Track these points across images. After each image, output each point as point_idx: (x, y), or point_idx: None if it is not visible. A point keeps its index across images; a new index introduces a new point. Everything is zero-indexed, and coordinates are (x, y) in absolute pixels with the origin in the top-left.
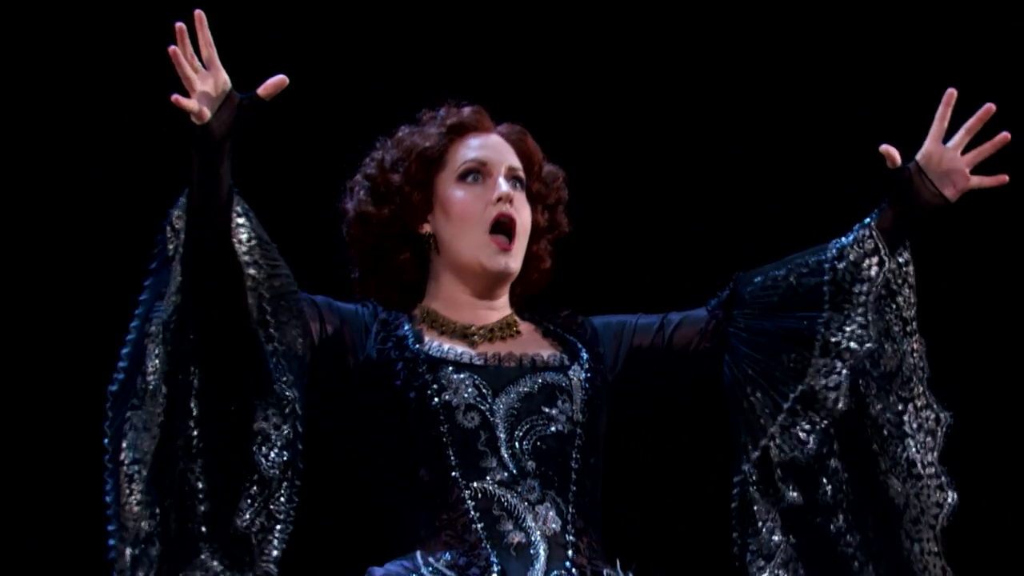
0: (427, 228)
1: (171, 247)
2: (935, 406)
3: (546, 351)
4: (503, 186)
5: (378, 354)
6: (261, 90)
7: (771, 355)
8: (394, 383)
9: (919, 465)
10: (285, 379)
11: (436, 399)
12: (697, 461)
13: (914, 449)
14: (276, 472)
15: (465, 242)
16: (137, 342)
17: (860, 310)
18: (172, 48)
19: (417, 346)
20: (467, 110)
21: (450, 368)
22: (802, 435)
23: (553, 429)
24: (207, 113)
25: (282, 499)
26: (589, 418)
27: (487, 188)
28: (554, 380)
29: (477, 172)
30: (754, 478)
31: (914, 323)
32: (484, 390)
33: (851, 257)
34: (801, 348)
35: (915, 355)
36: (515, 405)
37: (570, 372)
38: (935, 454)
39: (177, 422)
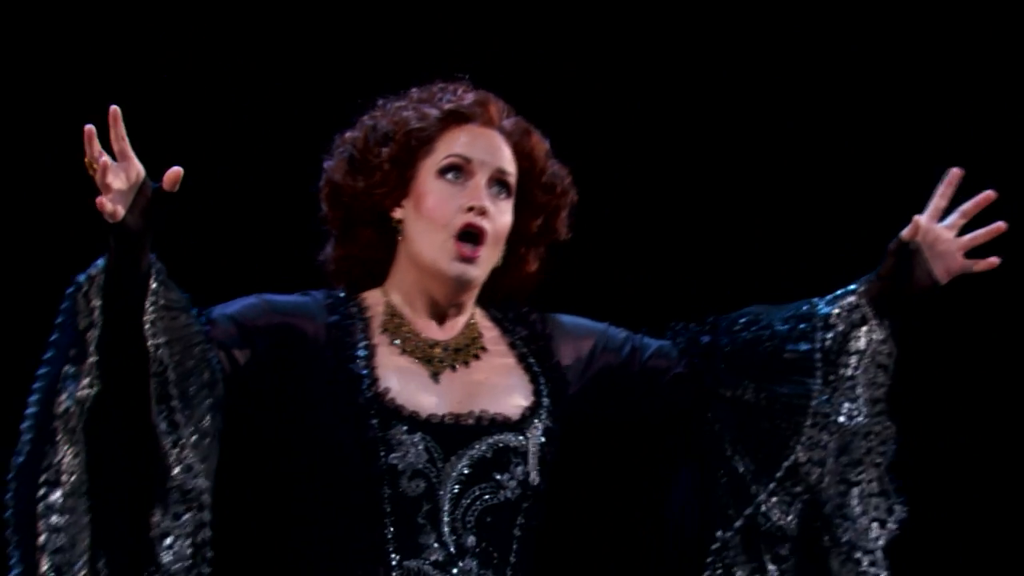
0: (399, 213)
1: (83, 322)
2: (891, 496)
3: (509, 398)
4: (479, 194)
5: (326, 386)
6: (164, 184)
7: (760, 423)
8: (338, 432)
9: (860, 552)
10: (191, 468)
11: (382, 461)
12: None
13: (856, 535)
14: (180, 565)
15: (427, 242)
16: (43, 417)
17: (849, 383)
18: (87, 159)
19: (372, 391)
20: (471, 97)
21: (404, 428)
22: (784, 507)
23: (502, 497)
24: (120, 212)
25: None
26: (540, 478)
27: (465, 190)
28: (510, 442)
29: (459, 170)
30: (737, 546)
31: (880, 405)
32: (435, 454)
33: (839, 327)
34: (792, 419)
35: (873, 438)
36: (465, 471)
37: (528, 432)
38: (879, 544)
39: (95, 514)
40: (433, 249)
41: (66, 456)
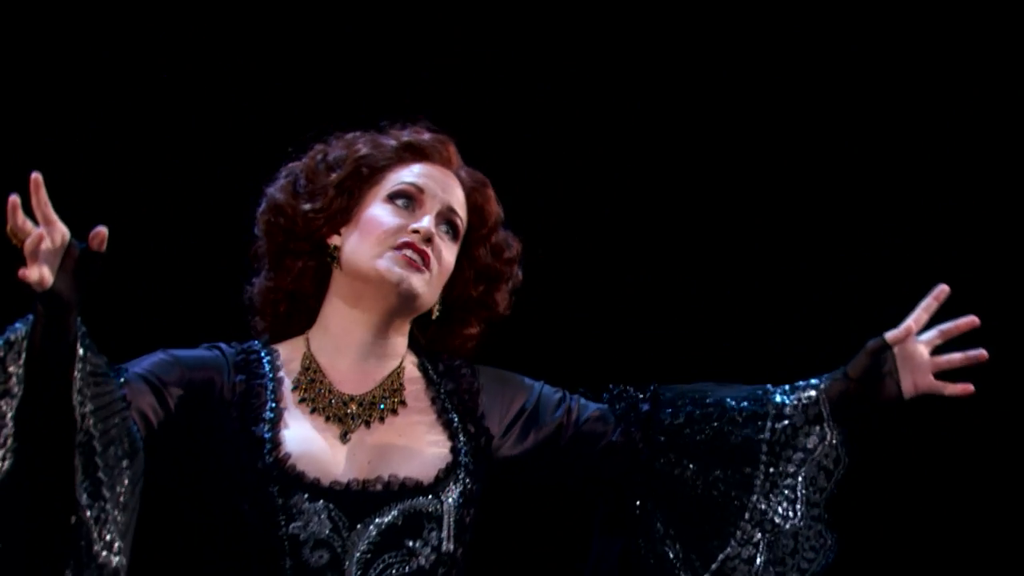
0: (336, 240)
1: None
2: None
3: (423, 458)
4: (425, 221)
5: (229, 449)
6: (91, 244)
7: (696, 507)
8: (239, 498)
9: None
10: (112, 545)
11: (283, 530)
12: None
13: None
14: None
15: (367, 253)
16: None
17: (789, 481)
18: (10, 228)
19: (272, 456)
20: (431, 135)
21: (305, 495)
22: None
23: (414, 566)
24: (49, 279)
25: None
26: (457, 543)
27: (413, 216)
28: (423, 507)
29: (409, 197)
30: None
31: (816, 509)
32: (340, 522)
33: (791, 420)
34: (729, 509)
35: (802, 539)
36: (374, 539)
37: (443, 495)
38: None
39: None
40: (372, 256)
41: None
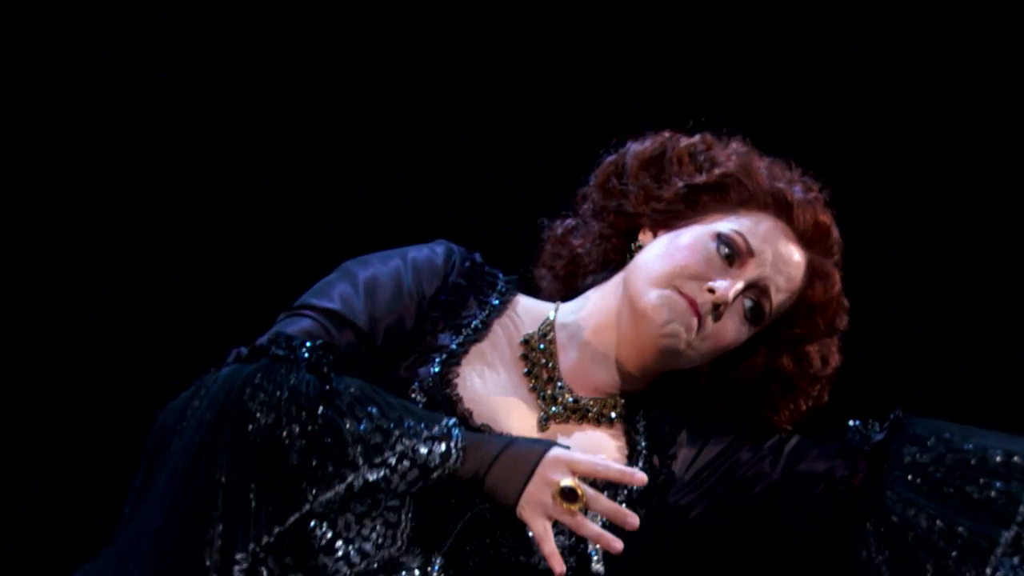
0: (646, 239)
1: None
2: None
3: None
4: (727, 288)
5: (403, 346)
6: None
7: (928, 561)
8: (400, 362)
9: None
10: None
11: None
12: None
13: None
14: None
15: (649, 276)
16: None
17: None
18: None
19: (440, 366)
20: (810, 210)
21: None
22: None
23: (516, 559)
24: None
25: None
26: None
27: (723, 274)
28: None
29: (736, 253)
30: None
31: None
32: None
33: None
34: (965, 568)
35: None
36: (488, 508)
37: None
38: None
39: None
40: (652, 284)
41: None
